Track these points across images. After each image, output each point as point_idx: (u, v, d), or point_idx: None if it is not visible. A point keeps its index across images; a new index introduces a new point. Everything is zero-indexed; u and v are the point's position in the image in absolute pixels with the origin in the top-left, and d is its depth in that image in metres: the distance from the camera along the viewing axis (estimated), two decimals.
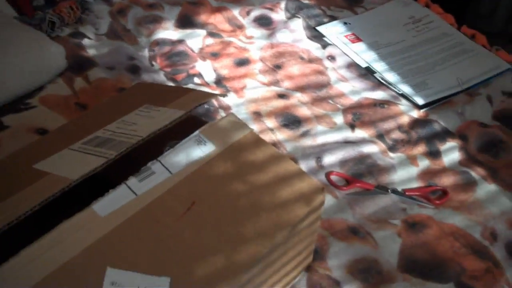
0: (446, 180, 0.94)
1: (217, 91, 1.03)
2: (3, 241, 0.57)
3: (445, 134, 1.02)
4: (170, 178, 0.65)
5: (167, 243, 0.60)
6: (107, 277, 0.56)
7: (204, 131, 0.71)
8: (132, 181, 0.63)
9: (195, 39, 1.15)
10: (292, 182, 0.70)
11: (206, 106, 0.99)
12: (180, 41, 1.13)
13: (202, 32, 1.17)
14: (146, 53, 1.11)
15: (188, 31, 1.17)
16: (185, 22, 1.19)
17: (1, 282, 0.52)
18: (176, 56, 1.10)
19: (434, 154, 0.99)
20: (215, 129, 0.72)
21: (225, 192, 0.67)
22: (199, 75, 1.07)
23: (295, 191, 0.69)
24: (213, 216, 0.64)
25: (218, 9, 1.23)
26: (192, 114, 0.88)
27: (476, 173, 0.96)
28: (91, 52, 1.08)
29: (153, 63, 1.09)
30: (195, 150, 0.69)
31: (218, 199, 0.66)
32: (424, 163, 0.97)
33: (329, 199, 0.89)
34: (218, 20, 1.21)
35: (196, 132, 0.70)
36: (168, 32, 1.15)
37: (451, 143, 1.01)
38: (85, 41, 1.10)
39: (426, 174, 0.95)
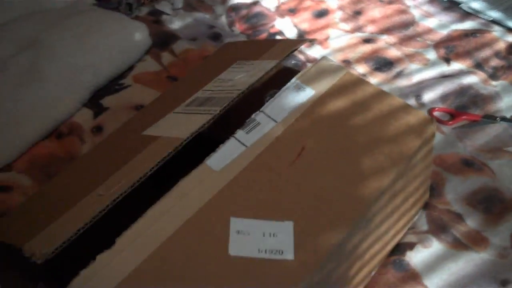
0: None
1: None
2: (126, 204, 0.59)
3: None
4: (276, 127, 0.65)
5: (284, 189, 0.60)
6: (232, 226, 0.56)
7: (301, 78, 0.70)
8: (240, 133, 0.63)
9: None
10: (400, 116, 0.68)
11: (293, 61, 0.98)
12: (255, 3, 1.12)
13: None
14: (224, 19, 1.11)
15: None
16: None
17: (136, 236, 0.53)
18: (254, 17, 1.09)
19: None
20: (311, 74, 0.71)
21: (333, 134, 0.65)
22: (281, 33, 1.06)
23: (404, 124, 0.67)
24: (325, 158, 0.63)
25: None
26: (286, 66, 0.87)
27: None
28: (171, 26, 1.09)
29: (233, 28, 1.09)
30: (296, 97, 0.68)
31: (326, 141, 0.65)
32: None
33: (436, 136, 0.85)
34: None
35: (293, 79, 0.69)
36: None
37: None
38: (164, 17, 1.11)
39: None
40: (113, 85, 0.98)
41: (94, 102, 0.96)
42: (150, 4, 1.14)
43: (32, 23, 1.01)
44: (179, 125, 0.66)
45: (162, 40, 1.05)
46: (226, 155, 0.61)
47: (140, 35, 1.02)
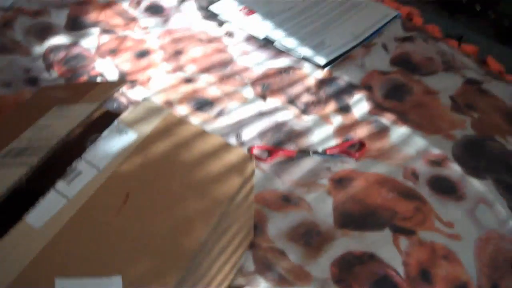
0: (361, 132, 0.98)
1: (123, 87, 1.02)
2: None
3: (351, 88, 1.06)
4: (99, 175, 0.64)
5: (110, 240, 0.59)
6: (58, 287, 0.54)
7: (123, 120, 0.70)
8: (60, 185, 0.61)
9: (90, 39, 1.12)
10: (221, 155, 0.70)
11: (115, 104, 0.97)
12: (75, 44, 1.10)
13: (95, 30, 1.14)
14: (41, 62, 1.07)
15: (81, 32, 1.13)
16: (76, 23, 1.16)
17: None
18: (73, 59, 1.07)
19: (344, 109, 1.02)
20: (133, 116, 0.71)
21: (158, 177, 0.66)
22: (101, 75, 1.05)
23: (226, 163, 0.70)
24: (151, 203, 0.63)
25: (107, 5, 1.20)
26: (108, 110, 0.87)
27: (386, 119, 1.00)
28: None
29: (51, 71, 1.05)
30: (118, 141, 0.68)
31: (152, 185, 0.65)
32: (337, 119, 1.01)
33: (256, 173, 0.89)
34: (108, 15, 1.18)
35: (115, 122, 0.69)
36: (60, 37, 1.12)
37: (358, 95, 1.05)
38: None
39: (341, 130, 0.99)
40: None
41: None
42: None
43: None
44: None
45: None
46: (46, 210, 0.59)
47: None
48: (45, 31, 1.13)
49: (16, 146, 0.68)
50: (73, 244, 0.58)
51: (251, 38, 1.17)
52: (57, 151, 0.65)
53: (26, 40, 1.11)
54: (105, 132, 0.68)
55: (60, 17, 1.17)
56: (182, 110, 0.99)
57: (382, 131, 0.98)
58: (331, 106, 1.02)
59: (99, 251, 0.58)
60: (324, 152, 0.94)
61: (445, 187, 0.89)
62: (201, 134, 0.74)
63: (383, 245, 0.81)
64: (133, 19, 1.19)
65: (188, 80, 1.05)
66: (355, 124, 1.00)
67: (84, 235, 0.59)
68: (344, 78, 1.08)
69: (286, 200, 0.86)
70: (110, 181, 0.64)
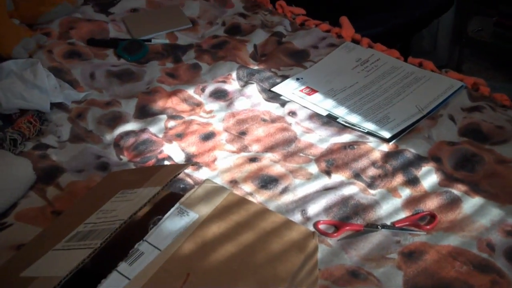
0: (431, 204, 0.95)
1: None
2: None
3: (418, 160, 1.03)
4: (160, 255, 0.65)
5: None
6: None
7: (184, 202, 0.71)
8: (122, 266, 0.62)
9: (157, 125, 1.16)
10: (282, 233, 0.70)
11: (181, 185, 0.99)
12: (143, 130, 1.14)
13: (163, 117, 1.18)
14: (112, 149, 1.11)
15: (149, 119, 1.18)
16: (144, 112, 1.20)
17: None
18: (142, 145, 1.10)
19: (413, 182, 1.00)
20: (194, 198, 0.72)
21: (218, 257, 0.66)
22: (169, 158, 1.08)
23: (287, 241, 0.69)
24: (210, 283, 0.63)
25: (173, 93, 1.25)
26: (172, 191, 0.88)
27: (457, 190, 0.97)
28: (57, 159, 1.08)
29: (121, 156, 1.09)
30: (179, 222, 0.68)
31: (212, 265, 0.65)
32: (406, 192, 0.98)
33: (323, 249, 0.88)
34: (175, 102, 1.22)
35: (177, 205, 0.70)
36: (129, 124, 1.16)
37: (426, 167, 1.02)
38: (50, 151, 1.10)
39: (411, 203, 0.96)
40: None
41: None
42: (35, 139, 1.13)
43: None
44: (59, 263, 0.64)
45: (47, 174, 1.04)
46: None
47: (23, 171, 1.00)
48: (116, 120, 1.18)
49: (82, 230, 0.70)
50: None
51: (314, 116, 1.17)
52: (122, 233, 0.66)
53: (98, 129, 1.16)
54: (167, 214, 0.70)
55: (129, 106, 1.22)
56: (247, 188, 0.99)
57: (454, 202, 0.95)
58: (399, 179, 1.00)
59: None
60: (393, 226, 0.91)
61: None
62: (263, 212, 0.74)
63: None
64: (198, 104, 1.23)
65: (253, 159, 1.06)
66: (424, 196, 0.97)
67: None
68: (411, 150, 1.06)
69: (354, 276, 0.83)
70: (171, 262, 0.64)
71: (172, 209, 0.70)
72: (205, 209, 0.71)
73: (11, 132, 1.11)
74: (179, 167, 0.79)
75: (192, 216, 0.70)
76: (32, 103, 1.16)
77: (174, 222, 0.68)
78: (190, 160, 1.07)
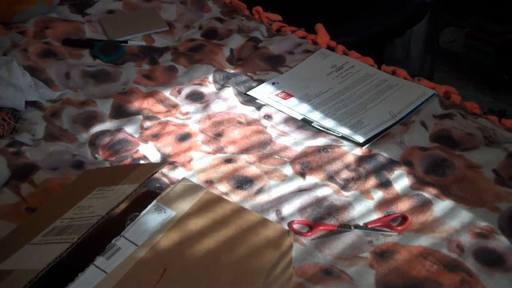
0: (403, 206, 0.97)
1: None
2: None
3: (391, 164, 1.06)
4: (137, 250, 0.65)
5: None
6: None
7: (161, 200, 0.72)
8: (99, 260, 0.63)
9: (133, 125, 1.16)
10: (258, 230, 0.71)
11: (157, 185, 1.00)
12: (119, 130, 1.14)
13: (139, 117, 1.18)
14: (87, 148, 1.11)
15: (125, 119, 1.18)
16: (120, 112, 1.21)
17: None
18: (117, 144, 1.11)
19: (385, 185, 1.02)
20: (171, 195, 0.73)
21: (194, 253, 0.67)
22: (144, 158, 1.08)
23: (263, 238, 0.70)
24: (187, 278, 0.64)
25: (150, 94, 1.25)
26: (149, 189, 0.89)
27: (428, 193, 0.99)
28: (32, 157, 1.07)
29: (96, 155, 1.09)
30: (156, 219, 0.69)
31: (188, 260, 0.66)
32: (378, 194, 1.00)
33: (297, 248, 0.89)
34: (151, 103, 1.23)
35: (154, 202, 0.71)
36: (105, 124, 1.16)
37: (398, 171, 1.04)
38: (24, 148, 1.09)
39: (383, 205, 0.98)
40: None
41: None
42: (10, 136, 1.13)
43: None
44: (36, 256, 0.64)
45: (21, 171, 1.03)
46: (85, 284, 0.60)
47: None
48: (91, 120, 1.18)
49: (59, 225, 0.70)
50: None
51: (289, 120, 1.19)
52: (99, 229, 0.67)
53: (73, 128, 1.16)
54: (145, 211, 0.70)
55: (105, 106, 1.22)
56: (222, 188, 1.00)
57: (425, 205, 0.97)
58: (372, 181, 1.02)
59: None
60: (365, 226, 0.93)
61: (492, 259, 0.86)
62: (239, 210, 0.75)
63: None
64: (174, 106, 1.23)
65: (228, 160, 1.07)
66: (396, 198, 0.99)
67: None
68: (383, 154, 1.08)
69: (327, 273, 0.85)
70: (148, 257, 0.65)
71: (149, 206, 0.70)
72: (182, 207, 0.72)
73: None
74: (156, 166, 0.80)
75: (169, 213, 0.70)
76: (6, 100, 1.15)
77: (151, 219, 0.69)
78: (165, 160, 1.08)
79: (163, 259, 0.65)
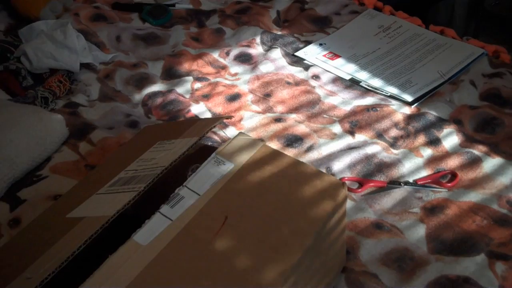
0: (452, 163, 0.98)
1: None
2: (55, 284, 0.59)
3: (440, 122, 1.06)
4: (199, 200, 0.68)
5: (211, 258, 0.62)
6: None
7: (220, 152, 0.74)
8: (164, 208, 0.66)
9: (184, 86, 1.19)
10: (314, 182, 0.73)
11: (209, 143, 1.02)
12: (170, 91, 1.17)
13: (189, 78, 1.21)
14: (140, 108, 1.14)
15: (175, 80, 1.21)
16: (170, 73, 1.23)
17: None
18: (169, 104, 1.14)
19: (434, 142, 1.02)
20: (229, 148, 0.75)
21: (254, 203, 0.69)
22: (196, 117, 1.11)
23: (318, 189, 0.72)
24: (248, 226, 0.66)
25: (199, 56, 1.28)
26: (205, 144, 0.91)
27: (478, 150, 1.00)
28: (88, 117, 1.11)
29: (150, 115, 1.13)
30: (216, 170, 0.72)
31: (248, 210, 0.68)
32: (427, 152, 1.01)
33: (348, 203, 0.90)
34: (200, 65, 1.25)
35: (213, 154, 0.73)
36: (156, 85, 1.19)
37: (448, 129, 1.05)
38: (80, 109, 1.13)
39: (432, 162, 0.99)
40: (30, 177, 0.98)
41: (11, 195, 0.95)
42: (66, 97, 1.17)
43: None
44: (104, 205, 0.67)
45: (79, 130, 1.07)
46: (152, 230, 0.64)
47: (56, 126, 1.03)
48: (143, 81, 1.21)
49: (124, 176, 0.73)
50: (176, 260, 0.61)
51: (337, 80, 1.20)
52: (161, 180, 0.70)
53: (126, 89, 1.19)
54: (205, 163, 0.73)
55: (156, 68, 1.25)
56: (273, 146, 1.02)
57: (475, 162, 0.98)
58: (420, 139, 1.03)
59: (200, 268, 0.61)
60: (415, 183, 0.94)
61: None
62: (294, 163, 0.77)
63: (478, 270, 0.80)
64: (223, 67, 1.25)
65: (278, 120, 1.09)
66: (446, 156, 0.99)
67: (186, 253, 0.62)
68: (432, 113, 1.08)
69: (378, 227, 0.87)
70: (209, 205, 0.68)
71: (209, 158, 0.73)
72: (240, 159, 0.74)
73: (42, 90, 1.14)
74: (213, 120, 0.82)
75: (228, 165, 0.73)
76: (62, 62, 1.19)
77: (211, 170, 0.72)
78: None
79: (224, 208, 0.68)
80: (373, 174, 0.97)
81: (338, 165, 0.98)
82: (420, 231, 0.87)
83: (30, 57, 1.17)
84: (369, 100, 1.13)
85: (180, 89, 1.18)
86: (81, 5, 1.45)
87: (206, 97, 1.16)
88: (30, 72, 1.19)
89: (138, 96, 1.17)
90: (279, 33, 1.36)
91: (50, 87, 1.16)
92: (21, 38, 1.25)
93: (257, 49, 1.30)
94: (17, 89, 1.16)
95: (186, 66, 1.25)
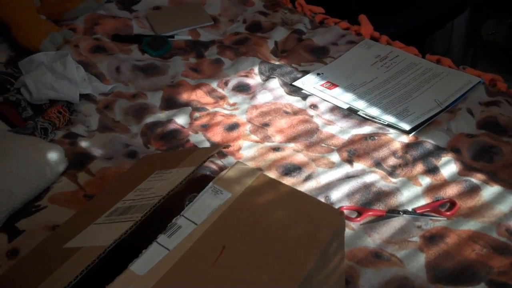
0: (451, 192, 0.98)
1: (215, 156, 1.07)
2: None
3: (438, 151, 1.06)
4: (196, 229, 0.68)
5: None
6: None
7: (218, 182, 0.74)
8: (161, 238, 0.66)
9: (183, 116, 1.19)
10: (311, 211, 0.73)
11: (208, 172, 1.02)
12: (169, 121, 1.18)
13: (188, 109, 1.22)
14: (139, 138, 1.15)
15: (175, 110, 1.22)
16: (170, 103, 1.24)
17: None
18: (168, 134, 1.14)
19: (432, 171, 1.03)
20: (227, 178, 0.75)
21: (251, 232, 0.69)
22: (195, 146, 1.11)
23: (316, 218, 0.72)
24: (245, 255, 0.66)
25: (197, 86, 1.28)
26: (203, 174, 0.92)
27: (476, 179, 1.00)
28: (87, 147, 1.11)
29: (149, 145, 1.13)
30: (214, 200, 0.72)
31: (245, 239, 0.68)
32: (426, 181, 1.01)
33: (346, 232, 0.89)
34: (199, 95, 1.26)
35: (210, 184, 0.74)
36: (155, 115, 1.20)
37: (446, 158, 1.05)
38: (79, 139, 1.14)
39: (431, 190, 0.99)
40: (29, 207, 0.98)
41: (9, 225, 0.95)
42: (65, 128, 1.17)
43: None
44: (101, 234, 0.67)
45: (78, 160, 1.07)
46: (149, 260, 0.63)
47: (55, 157, 1.04)
48: (142, 111, 1.21)
49: (121, 205, 0.73)
50: None
51: (334, 109, 1.20)
52: (158, 210, 0.70)
53: (125, 120, 1.20)
54: (202, 192, 0.73)
55: (155, 98, 1.26)
56: (271, 175, 1.02)
57: (473, 190, 0.98)
58: (419, 168, 1.03)
59: None
60: (414, 211, 0.94)
61: None
62: (292, 192, 0.77)
63: None
64: (222, 97, 1.26)
65: (276, 149, 1.09)
66: (444, 184, 1.00)
67: (183, 283, 0.62)
68: (430, 141, 1.09)
69: (378, 257, 0.86)
70: (207, 235, 0.68)
71: (206, 187, 0.73)
72: (238, 188, 0.74)
73: (42, 121, 1.15)
74: (211, 149, 0.83)
75: (226, 194, 0.73)
76: (62, 93, 1.19)
77: (209, 200, 0.72)
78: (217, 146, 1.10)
79: (221, 237, 0.67)
80: (371, 203, 0.97)
81: (336, 194, 0.98)
82: (420, 260, 0.86)
83: (30, 88, 1.18)
84: (367, 129, 1.14)
85: (179, 119, 1.19)
86: (81, 37, 1.47)
87: (205, 127, 1.17)
88: (30, 103, 1.20)
89: (137, 127, 1.18)
90: (277, 63, 1.37)
91: (49, 118, 1.17)
92: (21, 70, 1.26)
93: (255, 79, 1.31)
94: (16, 120, 1.17)
95: (185, 96, 1.26)
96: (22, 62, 1.27)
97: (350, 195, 0.98)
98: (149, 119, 1.19)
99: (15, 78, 1.23)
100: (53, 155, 1.03)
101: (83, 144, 1.13)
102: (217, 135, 1.14)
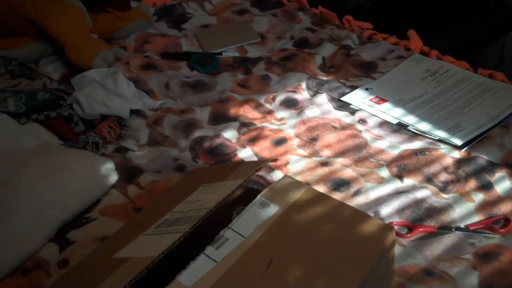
0: (505, 208, 0.95)
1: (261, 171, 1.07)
2: None
3: (491, 167, 1.03)
4: (244, 242, 0.68)
5: None
6: None
7: (265, 195, 0.74)
8: (209, 250, 0.66)
9: (230, 131, 1.20)
10: (361, 226, 0.72)
11: (255, 186, 1.02)
12: (217, 136, 1.18)
13: (235, 124, 1.22)
14: (188, 152, 1.16)
15: (222, 125, 1.22)
16: (218, 118, 1.25)
17: None
18: (216, 149, 1.15)
19: (486, 187, 1.00)
20: (275, 191, 0.75)
21: (299, 246, 0.68)
22: (242, 161, 1.11)
23: (366, 233, 0.71)
24: (293, 270, 0.65)
25: (245, 101, 1.29)
26: (250, 187, 0.92)
27: None
28: (137, 161, 1.13)
29: (197, 160, 1.14)
30: (261, 213, 0.71)
31: (293, 253, 0.67)
32: (479, 197, 0.98)
33: (396, 248, 0.88)
34: (247, 110, 1.26)
35: (258, 197, 0.73)
36: (203, 130, 1.21)
37: (499, 173, 1.02)
38: (129, 153, 1.15)
39: (484, 207, 0.96)
40: (80, 219, 1.00)
41: (60, 236, 0.97)
42: (116, 142, 1.19)
43: (1, 165, 1.04)
44: (150, 245, 0.68)
45: (128, 174, 1.09)
46: (196, 271, 0.63)
47: (106, 170, 1.05)
48: (191, 126, 1.22)
49: (169, 217, 0.74)
50: None
51: (384, 124, 1.19)
52: (206, 222, 0.70)
53: (174, 134, 1.21)
54: (250, 205, 0.73)
55: (203, 114, 1.27)
56: (320, 190, 1.01)
57: None
58: (472, 184, 1.01)
59: None
60: (466, 228, 0.92)
61: None
62: (341, 206, 0.76)
63: None
64: (269, 112, 1.26)
65: (324, 164, 1.08)
66: (498, 201, 0.97)
67: None
68: (483, 157, 1.06)
69: (429, 274, 0.84)
70: (254, 248, 0.67)
71: (254, 200, 0.73)
72: (286, 202, 0.74)
73: (93, 136, 1.17)
74: (259, 163, 0.82)
75: (273, 207, 0.73)
76: (113, 109, 1.22)
77: (256, 212, 0.72)
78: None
79: (269, 250, 0.67)
80: (422, 219, 0.94)
81: (386, 210, 0.96)
82: (473, 278, 0.83)
83: (82, 104, 1.21)
84: (417, 144, 1.12)
85: (226, 134, 1.19)
86: (131, 55, 1.49)
87: (252, 141, 1.17)
88: (82, 118, 1.22)
89: (186, 141, 1.19)
90: (325, 78, 1.36)
91: (101, 133, 1.19)
92: (73, 86, 1.29)
93: (303, 95, 1.31)
94: (69, 134, 1.19)
95: (232, 111, 1.27)
96: (74, 78, 1.30)
97: (400, 210, 0.96)
98: (198, 133, 1.20)
99: (68, 94, 1.26)
100: (104, 169, 1.05)
101: (133, 158, 1.14)
102: (264, 149, 1.14)
